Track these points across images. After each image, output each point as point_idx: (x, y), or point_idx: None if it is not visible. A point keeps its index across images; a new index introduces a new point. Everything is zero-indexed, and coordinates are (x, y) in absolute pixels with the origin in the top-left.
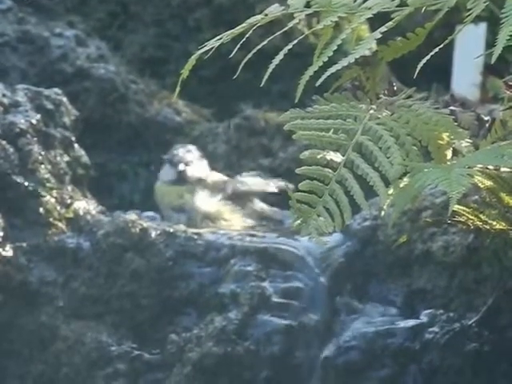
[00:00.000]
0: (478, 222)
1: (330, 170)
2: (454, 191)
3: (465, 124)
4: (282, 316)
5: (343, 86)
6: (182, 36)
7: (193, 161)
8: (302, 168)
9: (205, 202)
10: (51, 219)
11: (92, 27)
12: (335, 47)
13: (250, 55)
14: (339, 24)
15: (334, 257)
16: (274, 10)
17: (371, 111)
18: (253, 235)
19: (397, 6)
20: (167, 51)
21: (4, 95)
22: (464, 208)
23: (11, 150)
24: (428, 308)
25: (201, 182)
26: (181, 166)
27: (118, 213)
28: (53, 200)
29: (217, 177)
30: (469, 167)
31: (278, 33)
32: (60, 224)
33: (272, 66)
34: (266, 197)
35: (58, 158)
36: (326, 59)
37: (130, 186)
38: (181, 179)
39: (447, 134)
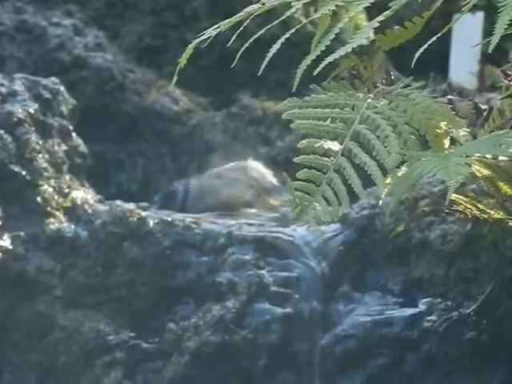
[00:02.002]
0: (475, 211)
1: (328, 159)
2: (451, 180)
3: (462, 113)
4: (280, 305)
5: (341, 75)
6: (179, 25)
7: None
8: (300, 157)
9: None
10: (49, 208)
11: (90, 16)
12: (333, 36)
13: (247, 44)
14: (337, 13)
15: (332, 246)
16: None
17: (369, 100)
18: (250, 224)
19: None
20: (164, 40)
21: (1, 84)
22: (462, 197)
23: (9, 139)
24: (426, 297)
25: None
26: None
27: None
28: (50, 189)
29: None
30: (466, 156)
31: (276, 22)
32: (58, 213)
33: (269, 55)
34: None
35: (56, 148)
36: (323, 48)
37: (128, 175)
38: None
39: (445, 122)
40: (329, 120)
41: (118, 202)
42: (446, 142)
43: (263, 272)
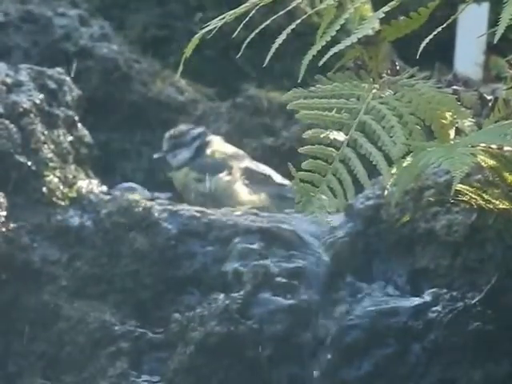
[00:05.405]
0: (481, 201)
1: (334, 149)
2: (457, 170)
3: (468, 103)
4: (285, 295)
5: (346, 65)
6: (184, 16)
7: None
8: (305, 147)
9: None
10: (54, 198)
11: (95, 7)
12: (338, 27)
13: (252, 35)
14: (342, 3)
15: (337, 236)
16: None
17: (374, 90)
18: (256, 214)
19: None
20: (170, 31)
21: (7, 75)
22: (467, 187)
23: (14, 129)
24: (431, 287)
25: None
26: None
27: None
28: (56, 179)
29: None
30: (472, 146)
31: (281, 12)
32: (63, 203)
33: (275, 46)
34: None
35: (61, 138)
36: (328, 39)
37: (133, 165)
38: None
39: (450, 113)
40: (334, 110)
41: (124, 192)
42: (452, 133)
43: (269, 262)
